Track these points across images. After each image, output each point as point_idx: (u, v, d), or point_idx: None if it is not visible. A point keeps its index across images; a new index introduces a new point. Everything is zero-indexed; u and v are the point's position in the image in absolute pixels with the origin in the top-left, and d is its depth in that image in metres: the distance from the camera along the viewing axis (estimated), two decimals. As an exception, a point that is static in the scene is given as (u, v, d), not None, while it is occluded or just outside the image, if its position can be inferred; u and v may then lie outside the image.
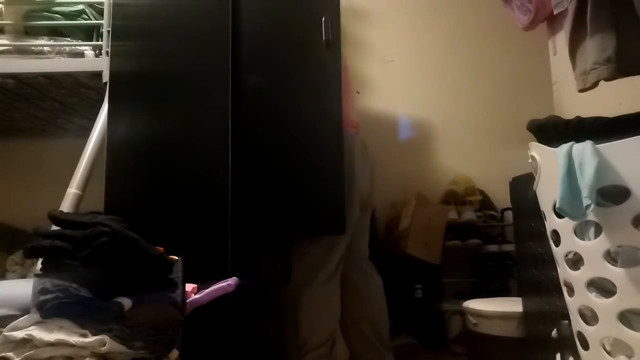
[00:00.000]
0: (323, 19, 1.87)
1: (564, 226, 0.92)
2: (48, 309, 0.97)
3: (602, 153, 0.82)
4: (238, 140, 1.75)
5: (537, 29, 2.32)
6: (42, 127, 2.67)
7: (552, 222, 0.96)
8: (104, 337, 0.92)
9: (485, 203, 2.53)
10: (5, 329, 0.96)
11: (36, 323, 0.97)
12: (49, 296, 0.99)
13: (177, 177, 1.81)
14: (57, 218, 1.12)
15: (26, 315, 0.99)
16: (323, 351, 1.78)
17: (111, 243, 1.03)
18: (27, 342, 0.93)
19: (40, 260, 1.14)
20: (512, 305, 1.73)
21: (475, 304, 1.88)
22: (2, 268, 2.36)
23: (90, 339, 0.92)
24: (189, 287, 1.34)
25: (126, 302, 1.02)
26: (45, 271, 1.07)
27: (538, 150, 0.98)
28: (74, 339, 0.92)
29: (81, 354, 0.92)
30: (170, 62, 1.90)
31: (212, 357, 1.54)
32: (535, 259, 1.40)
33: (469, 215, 2.42)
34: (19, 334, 0.93)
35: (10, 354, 0.92)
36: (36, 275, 1.06)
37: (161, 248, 1.44)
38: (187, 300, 1.31)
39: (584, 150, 0.84)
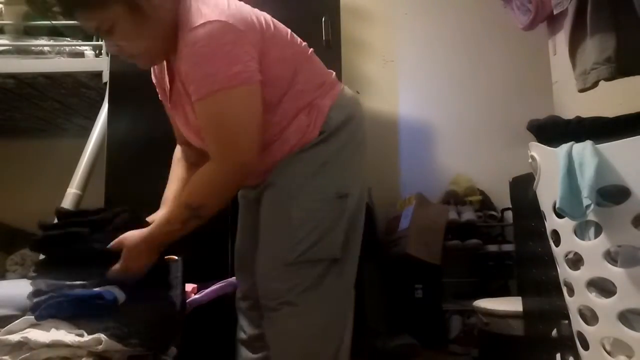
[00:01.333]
0: (323, 19, 1.87)
1: (564, 226, 0.92)
2: (42, 310, 0.97)
3: (602, 153, 0.82)
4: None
5: (537, 29, 2.32)
6: (42, 127, 2.67)
7: (552, 222, 0.96)
8: (100, 336, 0.92)
9: (485, 203, 2.53)
10: (0, 332, 0.95)
11: (32, 325, 0.97)
12: (42, 297, 1.00)
13: (177, 177, 1.81)
14: (63, 213, 1.13)
15: (21, 318, 0.99)
16: None
17: (131, 221, 1.08)
18: (22, 345, 0.93)
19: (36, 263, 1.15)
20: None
21: (486, 303, 1.87)
22: (2, 268, 2.36)
23: (87, 338, 0.92)
24: (189, 287, 1.34)
25: (120, 295, 1.02)
26: (41, 271, 1.08)
27: (538, 150, 0.98)
28: (70, 338, 0.92)
29: (78, 354, 0.91)
30: (170, 62, 1.89)
31: (212, 357, 1.54)
32: (535, 259, 1.40)
33: (469, 215, 2.42)
34: (14, 337, 0.93)
35: (6, 358, 0.91)
36: (30, 278, 1.06)
37: None
38: (187, 300, 1.31)
39: (584, 150, 0.84)
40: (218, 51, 0.98)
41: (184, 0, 1.06)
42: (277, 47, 1.08)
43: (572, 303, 0.95)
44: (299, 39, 1.18)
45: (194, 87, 1.01)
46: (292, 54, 1.13)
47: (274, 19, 1.15)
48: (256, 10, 1.11)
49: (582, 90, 1.55)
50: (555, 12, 1.68)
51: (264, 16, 1.11)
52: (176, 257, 1.36)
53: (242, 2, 1.09)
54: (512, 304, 1.76)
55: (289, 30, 1.16)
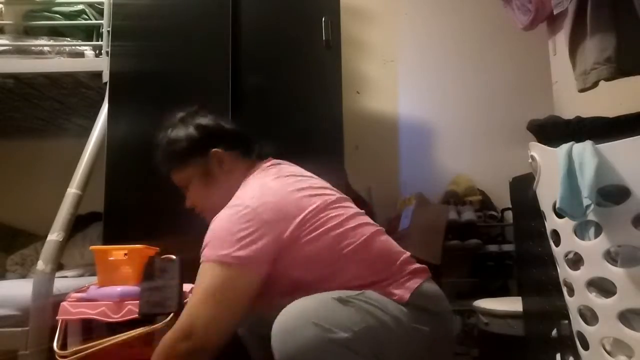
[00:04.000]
0: (323, 19, 1.87)
1: (564, 226, 0.92)
2: None
3: (602, 153, 0.82)
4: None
5: (537, 29, 2.33)
6: (42, 127, 2.67)
7: (552, 222, 0.96)
8: None
9: (485, 203, 2.53)
10: None
11: None
12: None
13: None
14: None
15: None
16: None
17: None
18: None
19: (40, 261, 1.14)
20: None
21: (486, 303, 1.87)
22: (2, 268, 2.36)
23: None
24: (187, 287, 1.34)
25: None
26: None
27: (538, 150, 0.98)
28: None
29: None
30: (170, 62, 1.90)
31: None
32: (535, 259, 1.40)
33: (469, 215, 2.41)
34: None
35: None
36: None
37: (156, 248, 1.44)
38: (185, 300, 1.31)
39: (584, 150, 0.84)
40: (232, 231, 1.03)
41: (252, 172, 1.21)
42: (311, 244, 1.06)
43: (572, 303, 0.95)
44: (363, 220, 1.17)
45: (203, 247, 1.06)
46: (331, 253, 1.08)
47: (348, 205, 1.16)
48: (317, 198, 1.10)
49: (582, 90, 1.55)
50: (555, 12, 1.68)
51: (317, 206, 1.09)
52: (174, 257, 1.36)
53: (306, 186, 1.12)
54: (512, 304, 1.75)
55: (354, 212, 1.16)
